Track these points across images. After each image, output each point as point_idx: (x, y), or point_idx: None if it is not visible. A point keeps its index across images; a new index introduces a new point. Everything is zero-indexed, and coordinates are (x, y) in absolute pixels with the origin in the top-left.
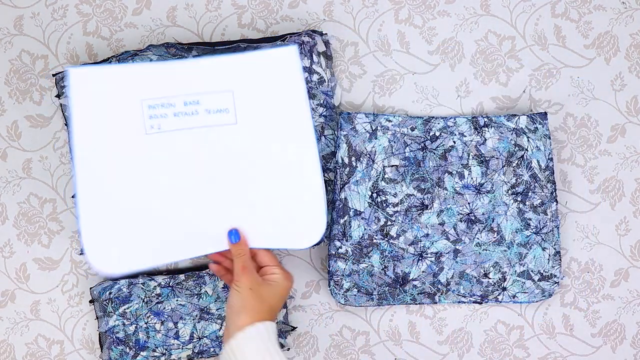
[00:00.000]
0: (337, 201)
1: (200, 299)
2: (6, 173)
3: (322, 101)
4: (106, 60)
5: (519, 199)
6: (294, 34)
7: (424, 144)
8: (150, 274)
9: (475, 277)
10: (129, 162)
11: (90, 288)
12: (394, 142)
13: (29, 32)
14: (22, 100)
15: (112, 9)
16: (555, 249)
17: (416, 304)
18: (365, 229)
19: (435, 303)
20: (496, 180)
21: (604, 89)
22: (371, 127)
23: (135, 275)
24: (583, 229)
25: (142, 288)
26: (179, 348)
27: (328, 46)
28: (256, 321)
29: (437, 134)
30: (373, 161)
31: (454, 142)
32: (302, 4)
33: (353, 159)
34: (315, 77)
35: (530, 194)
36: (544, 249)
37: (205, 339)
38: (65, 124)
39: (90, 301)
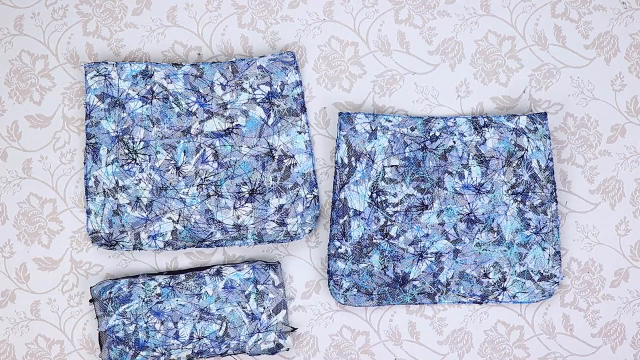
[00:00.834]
0: (337, 201)
1: (200, 299)
2: (6, 173)
3: None
4: None
5: (519, 199)
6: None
7: (424, 144)
8: (151, 273)
9: (475, 277)
10: None
11: (91, 287)
12: (394, 142)
13: (29, 32)
14: (22, 100)
15: (112, 9)
16: (555, 249)
17: (416, 304)
18: (365, 229)
19: (435, 303)
20: (496, 180)
21: (604, 89)
22: (371, 127)
23: (135, 275)
24: (583, 229)
25: (142, 288)
26: (178, 348)
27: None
28: None
29: (437, 134)
30: (373, 161)
31: (454, 142)
32: (302, 4)
33: (353, 159)
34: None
35: (530, 194)
36: (544, 249)
37: (205, 339)
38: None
39: (90, 300)
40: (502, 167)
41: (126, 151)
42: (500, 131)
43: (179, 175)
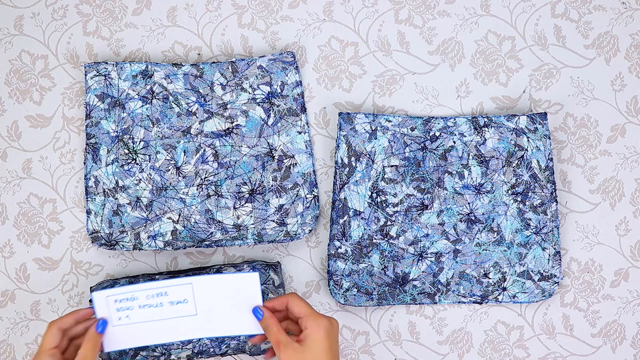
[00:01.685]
0: (337, 201)
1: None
2: (6, 173)
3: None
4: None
5: (518, 199)
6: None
7: (424, 144)
8: (151, 274)
9: (475, 277)
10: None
11: (91, 287)
12: (394, 142)
13: (29, 32)
14: (22, 100)
15: (112, 9)
16: (555, 249)
17: (416, 304)
18: (365, 229)
19: (435, 303)
20: (496, 180)
21: (604, 89)
22: (371, 127)
23: (135, 276)
24: (583, 229)
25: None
26: (178, 348)
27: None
28: None
29: (437, 134)
30: (373, 161)
31: (454, 142)
32: (302, 4)
33: (352, 159)
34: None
35: (530, 194)
36: (544, 249)
37: (204, 339)
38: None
39: (90, 301)
40: (502, 167)
41: (126, 151)
42: (500, 131)
43: (179, 175)
